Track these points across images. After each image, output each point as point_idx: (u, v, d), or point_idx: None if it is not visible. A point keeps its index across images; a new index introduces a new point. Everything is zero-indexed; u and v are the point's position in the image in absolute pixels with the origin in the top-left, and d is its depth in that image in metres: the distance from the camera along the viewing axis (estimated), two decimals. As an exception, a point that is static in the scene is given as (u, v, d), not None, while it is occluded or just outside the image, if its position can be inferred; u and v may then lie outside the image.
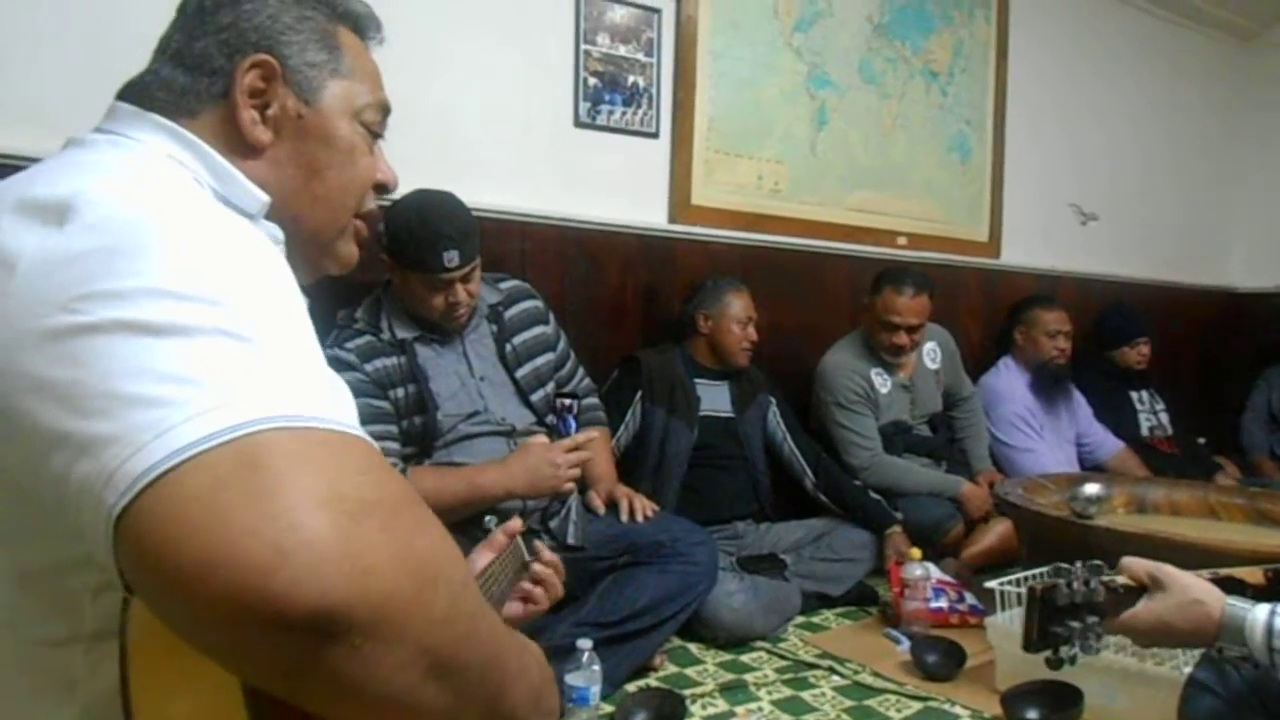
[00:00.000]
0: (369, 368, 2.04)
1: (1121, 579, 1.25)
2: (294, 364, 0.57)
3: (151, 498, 0.48)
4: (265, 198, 0.78)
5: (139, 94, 0.77)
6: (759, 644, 2.40)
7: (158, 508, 0.48)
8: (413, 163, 2.45)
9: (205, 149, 0.75)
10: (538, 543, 1.33)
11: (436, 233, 2.02)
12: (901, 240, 3.63)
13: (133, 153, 0.72)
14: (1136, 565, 1.26)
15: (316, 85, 0.82)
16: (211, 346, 0.54)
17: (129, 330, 0.53)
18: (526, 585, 1.27)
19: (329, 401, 0.56)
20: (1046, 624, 1.19)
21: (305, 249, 0.84)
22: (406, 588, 0.50)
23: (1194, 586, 1.21)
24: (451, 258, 2.02)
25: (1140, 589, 1.24)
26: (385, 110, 0.90)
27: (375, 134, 0.89)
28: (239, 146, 0.78)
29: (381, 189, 0.92)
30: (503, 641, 0.62)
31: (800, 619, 2.60)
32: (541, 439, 2.08)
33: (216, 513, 0.47)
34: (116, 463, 0.49)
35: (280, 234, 0.79)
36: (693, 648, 2.36)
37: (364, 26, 0.90)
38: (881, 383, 3.13)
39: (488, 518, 1.46)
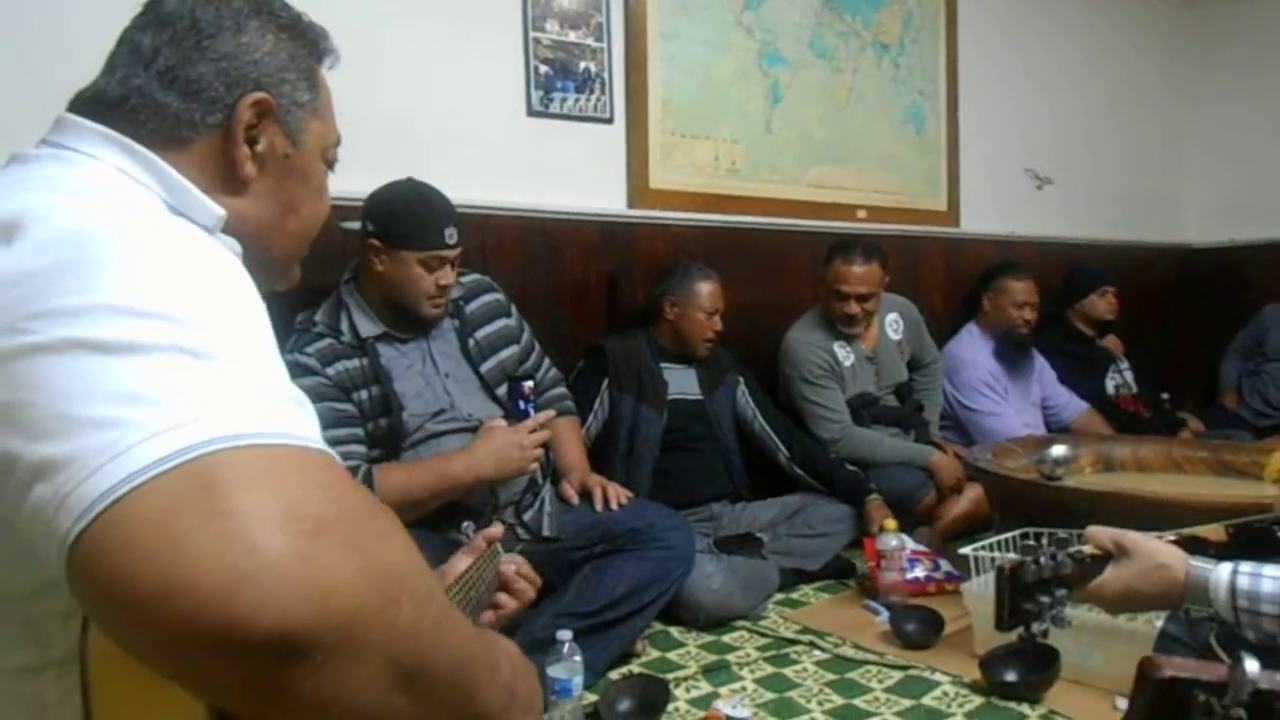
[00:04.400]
0: (330, 371, 2.01)
1: (1088, 549, 1.26)
2: (253, 379, 0.56)
3: (105, 523, 0.47)
4: (220, 211, 0.76)
5: (115, 114, 0.74)
6: (740, 624, 2.41)
7: (112, 533, 0.47)
8: (368, 161, 2.42)
9: (158, 163, 0.72)
10: (506, 555, 1.31)
11: (439, 209, 2.08)
12: (861, 214, 3.64)
13: (80, 167, 0.70)
14: (1101, 534, 1.27)
15: (303, 125, 0.83)
16: (167, 364, 0.52)
17: (81, 349, 0.52)
18: (501, 596, 1.26)
19: (288, 416, 0.55)
20: (1017, 602, 1.20)
21: (266, 271, 0.83)
22: (370, 605, 0.50)
23: (1158, 551, 1.22)
24: (451, 234, 2.06)
25: (1106, 557, 1.26)
26: (339, 143, 0.91)
27: (331, 169, 0.91)
28: (225, 180, 0.78)
29: None
30: (472, 644, 0.61)
31: (779, 596, 2.62)
32: (501, 422, 2.07)
33: (172, 537, 0.46)
34: (69, 487, 0.48)
35: (237, 247, 0.77)
36: (674, 631, 2.37)
37: (325, 58, 0.90)
38: (845, 355, 3.15)
39: (465, 523, 1.46)
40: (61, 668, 0.60)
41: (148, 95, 0.75)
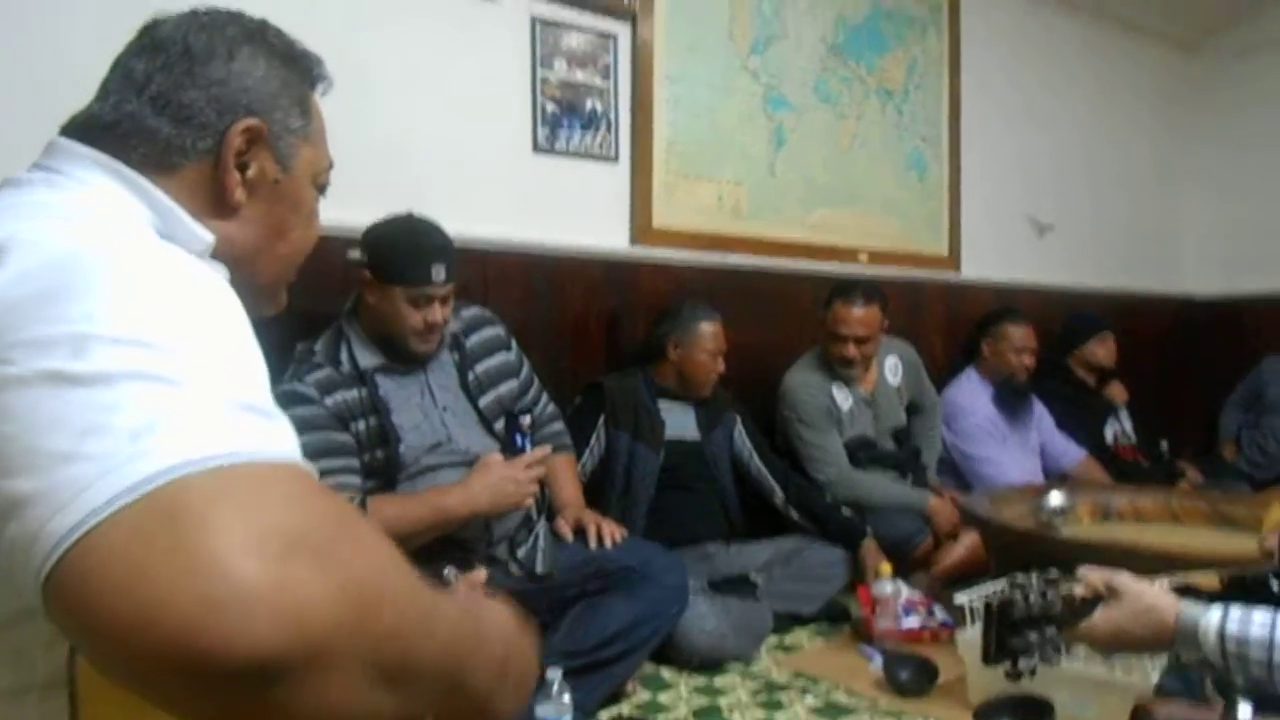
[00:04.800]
0: (329, 401, 2.01)
1: (1079, 589, 1.26)
2: (222, 398, 0.55)
3: (74, 559, 0.47)
4: (209, 238, 0.76)
5: (106, 138, 0.75)
6: (732, 666, 2.39)
7: (81, 569, 0.47)
8: (372, 194, 2.46)
9: (147, 188, 0.73)
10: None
11: (427, 246, 2.06)
12: (863, 257, 3.66)
13: (71, 192, 0.70)
14: (1093, 575, 1.28)
15: (293, 151, 0.83)
16: (133, 393, 0.52)
17: (52, 382, 0.52)
18: None
19: (258, 430, 0.55)
20: (1004, 637, 1.20)
21: (253, 296, 0.83)
22: (348, 617, 0.49)
23: (1148, 593, 1.23)
24: (438, 271, 2.04)
25: (1097, 598, 1.25)
26: (331, 168, 0.91)
27: (322, 194, 0.90)
28: (215, 206, 0.78)
29: None
30: (459, 628, 0.62)
31: (773, 639, 2.60)
32: (498, 456, 2.07)
33: (139, 571, 0.46)
34: (39, 524, 0.48)
35: (225, 272, 0.77)
36: (665, 672, 2.35)
37: (317, 83, 0.90)
38: (843, 398, 3.15)
39: (447, 570, 1.44)
40: (44, 691, 0.60)
41: (139, 120, 0.75)
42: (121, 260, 0.60)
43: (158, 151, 0.75)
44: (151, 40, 0.79)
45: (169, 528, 0.47)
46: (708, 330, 2.82)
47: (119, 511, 0.48)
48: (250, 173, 0.80)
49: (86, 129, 0.75)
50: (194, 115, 0.76)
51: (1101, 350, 3.93)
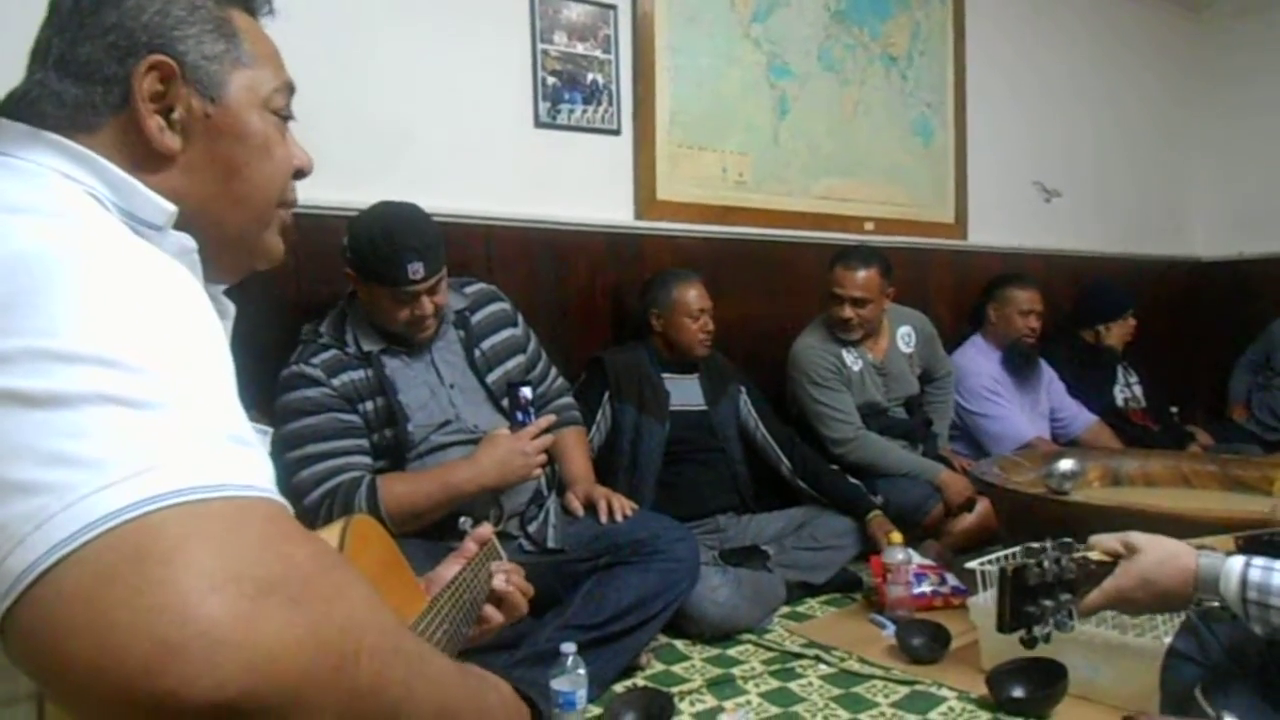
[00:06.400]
0: (336, 382, 2.01)
1: (1094, 554, 1.26)
2: (194, 425, 0.52)
3: (32, 599, 0.45)
4: (171, 208, 0.72)
5: (25, 110, 0.71)
6: (745, 636, 2.40)
7: (38, 610, 0.45)
8: (373, 172, 2.46)
9: (101, 163, 0.69)
10: (496, 563, 1.28)
11: (400, 245, 1.99)
12: (869, 226, 3.64)
13: (23, 176, 0.66)
14: (1107, 538, 1.28)
15: (220, 79, 0.76)
16: (98, 418, 0.49)
17: (8, 402, 0.49)
18: (488, 609, 1.24)
19: (230, 463, 0.52)
20: (1019, 604, 1.20)
21: (231, 251, 0.80)
22: (323, 665, 0.48)
23: (1168, 542, 1.24)
24: (416, 270, 1.99)
25: (1113, 562, 1.25)
26: (291, 91, 0.84)
27: (285, 118, 0.83)
28: (147, 158, 0.73)
29: (299, 174, 0.87)
30: (452, 692, 0.60)
31: (785, 609, 2.60)
32: (505, 431, 2.07)
33: (99, 613, 0.44)
34: None
35: (191, 244, 0.73)
36: (679, 644, 2.36)
37: (253, 4, 0.83)
38: (853, 361, 3.15)
39: (462, 519, 1.43)
40: (30, 702, 0.59)
41: (47, 86, 0.72)
42: (88, 263, 0.56)
43: (68, 114, 0.71)
44: (50, 7, 0.76)
45: (135, 567, 0.45)
46: (686, 294, 2.80)
47: (81, 548, 0.46)
48: (176, 114, 0.74)
49: (9, 105, 0.73)
50: (96, 70, 0.72)
51: (1118, 331, 3.90)
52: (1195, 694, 1.28)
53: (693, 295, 2.81)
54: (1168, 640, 1.64)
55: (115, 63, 0.72)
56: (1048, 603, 1.21)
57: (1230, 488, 2.68)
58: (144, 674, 0.43)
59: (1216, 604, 1.18)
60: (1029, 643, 1.23)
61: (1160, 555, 1.22)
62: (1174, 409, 4.07)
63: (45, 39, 0.74)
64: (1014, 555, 1.24)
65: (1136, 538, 1.26)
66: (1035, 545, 1.24)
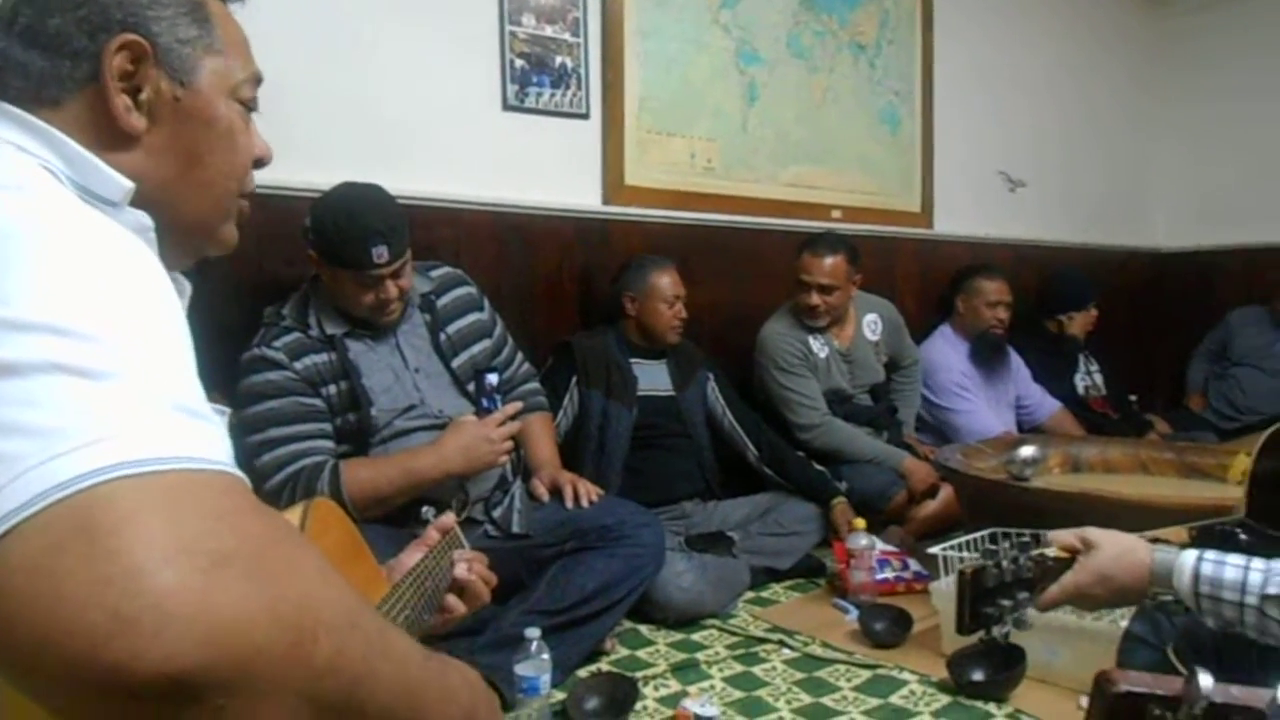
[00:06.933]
0: (298, 365, 1.99)
1: (1051, 551, 1.28)
2: (149, 396, 0.51)
3: None
4: (129, 184, 0.70)
5: None
6: (709, 622, 2.41)
7: None
8: (338, 153, 2.43)
9: (59, 138, 0.67)
10: (459, 551, 1.28)
11: (364, 228, 1.96)
12: (836, 214, 3.65)
13: None
14: (1064, 534, 1.30)
15: (191, 64, 0.76)
16: (49, 387, 0.48)
17: None
18: (450, 598, 1.23)
19: (185, 435, 0.51)
20: (978, 606, 1.21)
21: (185, 236, 0.79)
22: (278, 640, 0.47)
23: (1124, 538, 1.25)
24: (380, 253, 1.96)
25: (1070, 559, 1.27)
26: (259, 82, 0.84)
27: (250, 109, 0.83)
28: (111, 137, 0.71)
29: (259, 164, 0.86)
30: (414, 673, 0.59)
31: (750, 594, 2.62)
32: (471, 417, 2.05)
33: (47, 583, 0.44)
34: None
35: (148, 221, 0.72)
36: (643, 629, 2.36)
37: None
38: (819, 347, 3.16)
39: (425, 508, 1.42)
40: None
41: (9, 56, 0.70)
42: (44, 234, 0.55)
43: (33, 86, 0.69)
44: None
45: (84, 538, 0.45)
46: (661, 280, 2.81)
47: (30, 518, 0.45)
48: (144, 95, 0.73)
49: None
50: (65, 43, 0.70)
51: (1080, 321, 3.94)
52: (1168, 653, 1.30)
53: (668, 281, 2.81)
54: (1124, 624, 1.67)
55: (86, 37, 0.70)
56: (1006, 602, 1.22)
57: (1187, 474, 2.74)
58: (93, 646, 0.43)
59: (1170, 598, 1.20)
60: (988, 643, 1.24)
61: (1116, 551, 1.24)
62: (1133, 397, 4.13)
63: (12, 8, 0.72)
64: (978, 540, 1.25)
65: (1093, 534, 1.27)
66: (993, 546, 1.25)
